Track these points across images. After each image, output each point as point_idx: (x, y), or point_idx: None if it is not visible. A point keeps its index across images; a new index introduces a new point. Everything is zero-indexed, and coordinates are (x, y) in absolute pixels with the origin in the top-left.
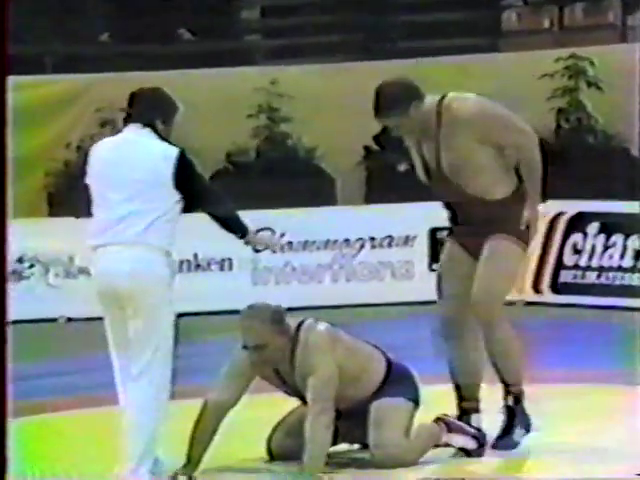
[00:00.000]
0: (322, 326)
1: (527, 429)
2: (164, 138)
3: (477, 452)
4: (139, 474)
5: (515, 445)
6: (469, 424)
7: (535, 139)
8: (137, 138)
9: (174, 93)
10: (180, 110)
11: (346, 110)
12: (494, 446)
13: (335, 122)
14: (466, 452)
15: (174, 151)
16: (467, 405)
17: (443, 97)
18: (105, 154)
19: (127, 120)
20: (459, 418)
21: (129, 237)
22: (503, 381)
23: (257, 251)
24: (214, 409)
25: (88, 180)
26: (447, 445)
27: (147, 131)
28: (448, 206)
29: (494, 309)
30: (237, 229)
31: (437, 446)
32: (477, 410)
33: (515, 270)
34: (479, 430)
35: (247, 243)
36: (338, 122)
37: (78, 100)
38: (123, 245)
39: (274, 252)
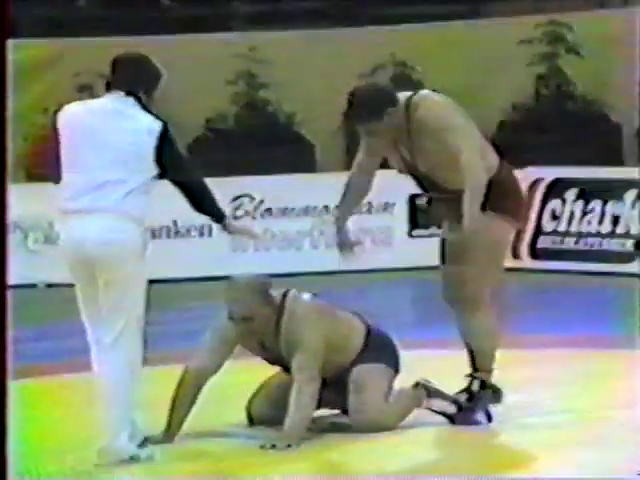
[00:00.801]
0: (307, 297)
1: (498, 400)
2: (148, 109)
3: (457, 417)
4: (118, 442)
5: (475, 423)
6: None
7: (479, 173)
8: (121, 107)
9: (152, 58)
10: (164, 78)
11: (326, 76)
12: (452, 420)
13: (315, 88)
14: (447, 417)
15: (158, 125)
16: (481, 376)
17: (410, 99)
18: (85, 118)
19: (109, 86)
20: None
21: (105, 205)
22: (473, 365)
23: (236, 217)
24: (195, 376)
25: (62, 141)
26: (428, 409)
27: (131, 100)
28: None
29: (482, 291)
30: (215, 214)
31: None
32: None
33: (503, 249)
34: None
35: (225, 230)
36: (318, 88)
37: (56, 65)
38: (99, 213)
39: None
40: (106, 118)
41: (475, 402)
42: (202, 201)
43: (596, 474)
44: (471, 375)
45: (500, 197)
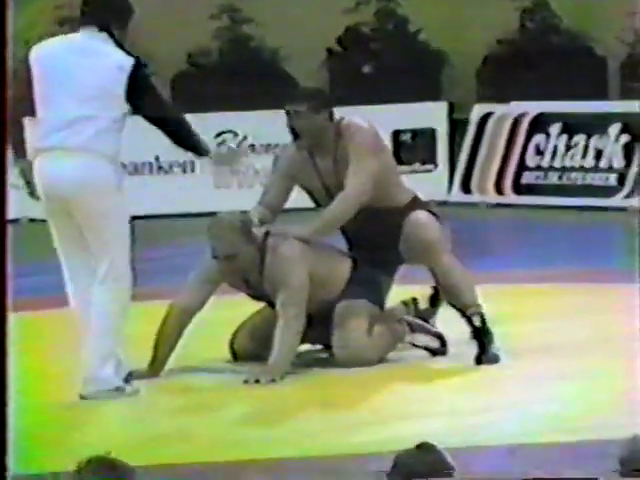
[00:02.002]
0: (289, 234)
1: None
2: (120, 45)
3: (441, 351)
4: (103, 372)
5: (496, 359)
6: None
7: (354, 201)
8: (92, 43)
9: None
10: (135, 14)
11: (310, 12)
12: (434, 354)
13: (298, 23)
14: (430, 351)
15: (129, 61)
16: (476, 309)
17: (342, 118)
18: (57, 55)
19: (82, 20)
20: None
21: (77, 142)
22: (464, 306)
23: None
24: (180, 313)
25: (35, 79)
26: (411, 344)
27: (103, 36)
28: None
29: (437, 248)
30: (197, 149)
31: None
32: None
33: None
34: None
35: (212, 160)
36: (301, 23)
37: None
38: (70, 151)
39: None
40: (77, 55)
41: (487, 337)
42: (182, 136)
43: (581, 408)
44: (464, 314)
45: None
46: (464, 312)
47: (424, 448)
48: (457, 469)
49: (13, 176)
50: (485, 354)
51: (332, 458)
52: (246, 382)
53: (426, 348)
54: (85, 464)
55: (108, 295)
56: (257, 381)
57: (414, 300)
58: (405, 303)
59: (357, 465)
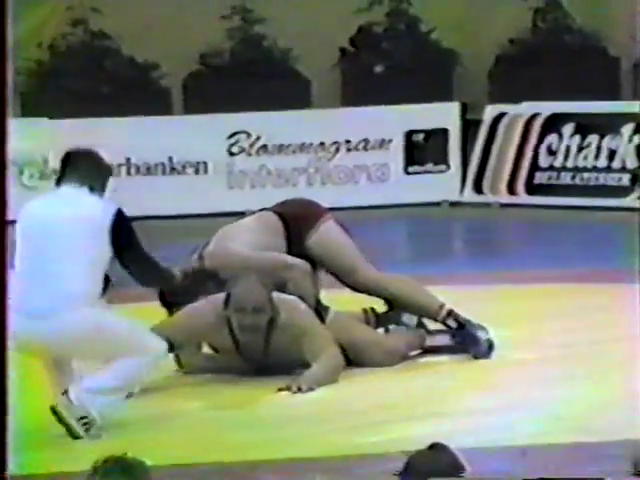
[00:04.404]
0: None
1: (484, 329)
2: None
3: (475, 353)
4: (86, 399)
5: (491, 346)
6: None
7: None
8: (76, 193)
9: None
10: (112, 174)
11: (322, 11)
12: (475, 357)
13: (310, 23)
14: (450, 350)
15: (112, 207)
16: (443, 315)
17: None
18: (39, 210)
19: (65, 177)
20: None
21: (63, 304)
22: (430, 314)
23: (232, 154)
24: None
25: (18, 237)
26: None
27: (85, 190)
28: None
29: (364, 273)
30: (163, 283)
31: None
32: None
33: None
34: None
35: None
36: (314, 23)
37: None
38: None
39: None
40: (60, 206)
41: (471, 331)
42: (150, 279)
43: (590, 409)
44: (435, 319)
45: None
46: (436, 320)
47: (437, 449)
48: (469, 469)
49: (27, 178)
50: (477, 346)
51: (342, 458)
52: (287, 389)
53: (447, 347)
54: (101, 464)
55: (147, 358)
56: (299, 389)
57: (372, 309)
58: (365, 310)
59: (369, 465)
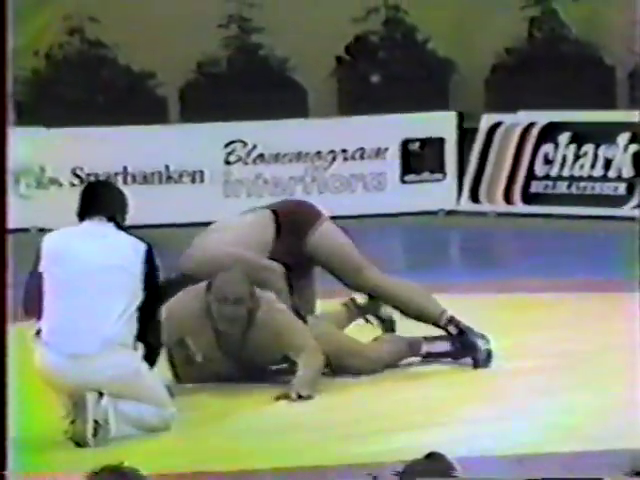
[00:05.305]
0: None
1: (484, 337)
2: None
3: (464, 355)
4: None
5: (490, 355)
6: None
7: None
8: (103, 229)
9: (143, 2)
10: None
11: (319, 21)
12: (475, 366)
13: (307, 32)
14: (450, 356)
15: (143, 245)
16: (444, 321)
17: None
18: (70, 246)
19: (87, 212)
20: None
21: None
22: (432, 320)
23: (229, 163)
24: None
25: (44, 269)
26: (429, 353)
27: (111, 224)
28: None
29: (368, 274)
30: (155, 346)
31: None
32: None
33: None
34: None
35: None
36: (310, 32)
37: (45, 7)
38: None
39: None
40: (89, 240)
41: (471, 338)
42: (150, 335)
43: (589, 418)
44: (437, 324)
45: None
46: (437, 325)
47: (434, 458)
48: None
49: (24, 187)
50: (476, 355)
51: (336, 468)
52: (285, 398)
53: (446, 354)
54: (97, 473)
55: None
56: (300, 396)
57: (352, 299)
58: (345, 304)
59: (362, 475)
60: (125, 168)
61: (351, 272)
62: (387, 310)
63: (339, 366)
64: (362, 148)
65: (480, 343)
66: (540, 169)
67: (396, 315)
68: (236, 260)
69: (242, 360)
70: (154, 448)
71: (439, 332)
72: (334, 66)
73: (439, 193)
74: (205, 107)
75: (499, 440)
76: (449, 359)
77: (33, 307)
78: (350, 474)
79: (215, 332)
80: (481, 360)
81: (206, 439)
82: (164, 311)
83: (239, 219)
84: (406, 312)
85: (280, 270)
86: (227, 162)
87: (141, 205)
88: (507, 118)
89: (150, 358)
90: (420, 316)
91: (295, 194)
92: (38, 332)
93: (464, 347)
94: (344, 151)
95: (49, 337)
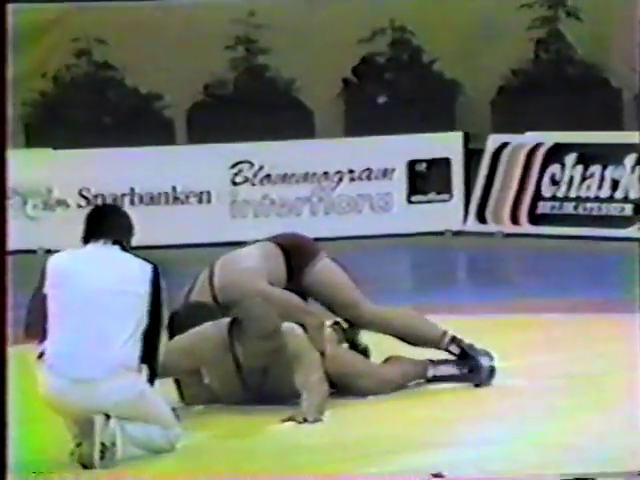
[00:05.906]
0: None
1: (488, 354)
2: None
3: (476, 379)
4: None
5: (492, 372)
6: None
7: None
8: (108, 251)
9: (150, 24)
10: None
11: (325, 42)
12: (476, 385)
13: (314, 54)
14: (455, 379)
15: (149, 266)
16: (445, 343)
17: None
18: (76, 268)
19: (92, 235)
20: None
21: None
22: (433, 344)
23: (235, 184)
24: None
25: (49, 292)
26: (435, 376)
27: (116, 247)
28: None
29: (364, 308)
30: (153, 368)
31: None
32: (455, 338)
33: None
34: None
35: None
36: (317, 54)
37: (53, 29)
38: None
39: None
40: (95, 263)
41: (473, 357)
42: (150, 355)
43: (591, 439)
44: (438, 347)
45: None
46: (439, 348)
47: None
48: None
49: (31, 208)
50: (478, 374)
51: None
52: (290, 420)
53: (452, 377)
54: None
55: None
56: (305, 420)
57: (337, 322)
58: (333, 327)
59: None
60: (132, 189)
61: (348, 309)
62: (362, 339)
63: (350, 387)
64: (369, 169)
65: (483, 361)
66: (547, 190)
67: (395, 341)
68: (280, 298)
69: (262, 392)
70: (161, 468)
71: (443, 354)
72: (340, 87)
73: (445, 213)
74: (212, 128)
75: (503, 461)
76: (453, 382)
77: (35, 329)
78: None
79: (236, 366)
80: (482, 379)
81: (212, 460)
82: (184, 339)
83: (250, 251)
84: (406, 339)
85: (321, 317)
86: (234, 183)
87: (148, 226)
88: (513, 139)
89: (151, 379)
90: (420, 341)
91: (302, 214)
92: (41, 355)
93: (470, 371)
94: (351, 172)
95: (53, 360)
